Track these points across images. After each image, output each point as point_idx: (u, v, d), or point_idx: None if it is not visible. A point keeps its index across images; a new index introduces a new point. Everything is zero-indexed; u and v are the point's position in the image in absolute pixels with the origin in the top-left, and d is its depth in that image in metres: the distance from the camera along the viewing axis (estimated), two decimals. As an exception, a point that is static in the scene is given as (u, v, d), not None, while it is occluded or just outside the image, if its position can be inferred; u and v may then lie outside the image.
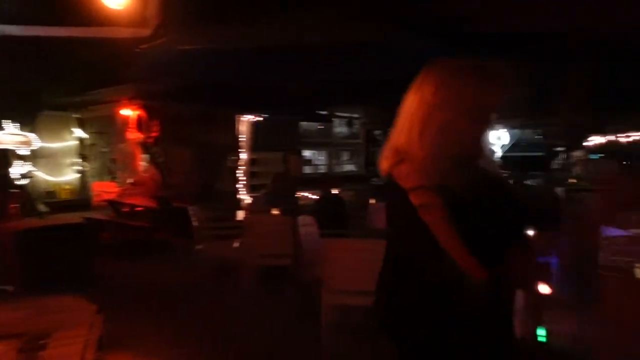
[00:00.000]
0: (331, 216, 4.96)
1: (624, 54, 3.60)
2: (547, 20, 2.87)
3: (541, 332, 3.79)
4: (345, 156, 12.20)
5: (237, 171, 9.48)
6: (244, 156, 9.63)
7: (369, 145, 11.55)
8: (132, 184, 8.27)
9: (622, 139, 11.09)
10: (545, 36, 2.95)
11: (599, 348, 2.78)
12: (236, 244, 5.58)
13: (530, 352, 3.63)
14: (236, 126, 9.53)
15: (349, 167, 12.06)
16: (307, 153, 11.27)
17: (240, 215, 7.27)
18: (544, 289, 4.00)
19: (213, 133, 9.24)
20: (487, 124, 1.37)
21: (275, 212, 5.94)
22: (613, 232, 4.58)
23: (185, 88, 7.14)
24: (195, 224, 5.87)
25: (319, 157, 11.74)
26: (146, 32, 4.23)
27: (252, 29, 3.62)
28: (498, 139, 11.12)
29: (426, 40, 3.14)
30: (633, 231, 4.47)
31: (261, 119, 9.60)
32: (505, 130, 11.01)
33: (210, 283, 5.34)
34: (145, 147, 8.84)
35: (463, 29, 3.03)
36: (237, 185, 9.39)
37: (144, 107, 8.82)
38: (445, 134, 1.31)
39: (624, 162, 11.18)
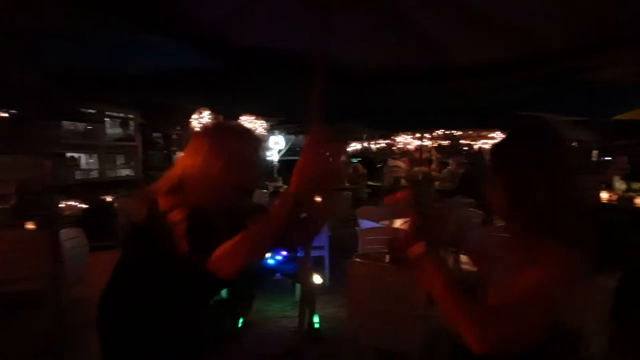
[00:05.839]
0: (101, 227, 4.44)
1: (365, 81, 4.09)
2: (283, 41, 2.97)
3: (315, 319, 4.17)
4: (120, 160, 11.13)
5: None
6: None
7: (146, 149, 10.77)
8: None
9: (373, 145, 13.40)
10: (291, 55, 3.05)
11: (349, 327, 3.15)
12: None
13: (309, 338, 3.97)
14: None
15: (125, 172, 11.05)
16: (73, 156, 9.84)
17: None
18: (317, 279, 4.43)
19: None
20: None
21: (30, 226, 5.07)
22: (367, 224, 5.39)
23: None
24: None
25: (89, 161, 10.40)
26: None
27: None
28: (276, 143, 11.71)
29: (165, 39, 2.91)
30: (383, 222, 5.34)
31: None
32: (282, 135, 11.70)
33: None
34: None
35: (213, 35, 2.90)
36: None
37: None
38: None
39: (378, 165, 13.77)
